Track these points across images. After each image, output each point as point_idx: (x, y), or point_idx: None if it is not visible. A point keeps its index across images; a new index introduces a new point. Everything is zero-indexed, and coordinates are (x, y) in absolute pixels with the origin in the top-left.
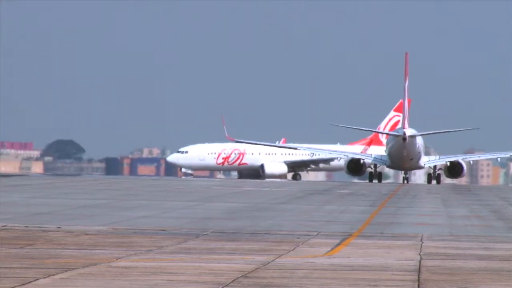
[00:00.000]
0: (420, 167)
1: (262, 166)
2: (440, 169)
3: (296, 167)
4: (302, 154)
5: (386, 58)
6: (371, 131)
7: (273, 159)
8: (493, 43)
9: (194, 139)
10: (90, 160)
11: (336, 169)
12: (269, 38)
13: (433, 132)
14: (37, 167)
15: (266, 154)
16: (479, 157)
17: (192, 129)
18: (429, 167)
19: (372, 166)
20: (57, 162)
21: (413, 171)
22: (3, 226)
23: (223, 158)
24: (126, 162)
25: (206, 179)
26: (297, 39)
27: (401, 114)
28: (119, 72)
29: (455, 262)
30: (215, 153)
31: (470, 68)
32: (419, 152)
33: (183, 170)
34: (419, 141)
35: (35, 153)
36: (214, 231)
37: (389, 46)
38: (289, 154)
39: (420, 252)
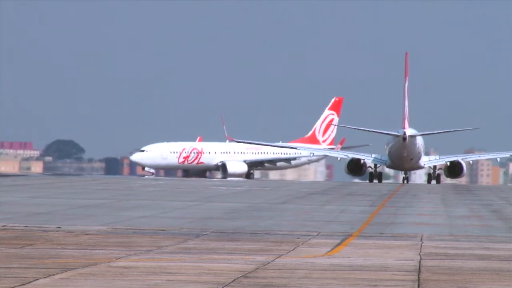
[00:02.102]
0: (420, 167)
1: (224, 165)
2: (440, 169)
3: (255, 166)
4: (261, 153)
5: (386, 58)
6: (371, 131)
7: (228, 157)
8: (493, 43)
9: (194, 138)
10: (90, 160)
11: (298, 165)
12: (268, 38)
13: (433, 132)
14: (37, 167)
15: (221, 153)
16: (479, 157)
17: (192, 129)
18: (429, 167)
19: (372, 166)
20: (57, 162)
21: (413, 171)
22: (3, 226)
23: (183, 157)
24: (126, 162)
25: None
26: (297, 39)
27: (335, 112)
28: (119, 72)
29: (455, 262)
30: (176, 152)
31: (470, 68)
32: (419, 152)
33: (146, 169)
34: (419, 141)
35: (35, 153)
36: (214, 231)
37: (389, 46)
38: (242, 153)
39: (420, 252)
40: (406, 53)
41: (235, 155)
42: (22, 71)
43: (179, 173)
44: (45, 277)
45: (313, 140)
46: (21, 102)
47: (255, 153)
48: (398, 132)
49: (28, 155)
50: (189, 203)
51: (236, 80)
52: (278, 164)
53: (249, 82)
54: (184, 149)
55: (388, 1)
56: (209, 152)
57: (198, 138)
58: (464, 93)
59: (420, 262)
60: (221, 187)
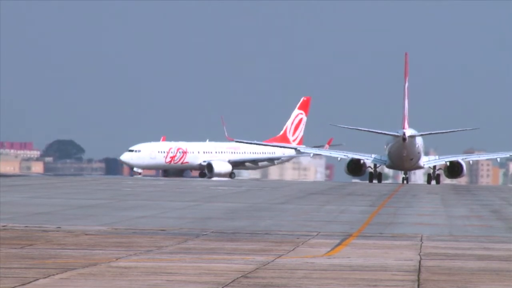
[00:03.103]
0: (420, 167)
1: (210, 165)
2: (440, 169)
3: (237, 166)
4: (239, 153)
5: (386, 58)
6: (371, 131)
7: (210, 157)
8: (493, 43)
9: (194, 138)
10: (90, 160)
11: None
12: (268, 38)
13: (433, 132)
14: (37, 167)
15: (204, 152)
16: (478, 157)
17: (192, 129)
18: (429, 167)
19: (372, 166)
20: (57, 162)
21: (413, 171)
22: (3, 226)
23: (170, 157)
24: None
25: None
26: (297, 39)
27: (303, 112)
28: (119, 72)
29: (454, 262)
30: (164, 152)
31: (470, 68)
32: (418, 152)
33: (135, 169)
34: (419, 141)
35: (35, 153)
36: (214, 231)
37: (389, 46)
38: (223, 152)
39: (420, 252)
40: (406, 53)
41: (216, 154)
42: (22, 71)
43: (160, 172)
44: (45, 277)
45: (284, 139)
46: (21, 102)
47: (234, 153)
48: (397, 132)
49: (28, 155)
50: (189, 203)
51: (236, 80)
52: (260, 163)
53: (253, 82)
54: (170, 148)
55: (388, 1)
56: (193, 152)
57: (162, 137)
58: (464, 93)
59: (420, 262)
60: (221, 187)
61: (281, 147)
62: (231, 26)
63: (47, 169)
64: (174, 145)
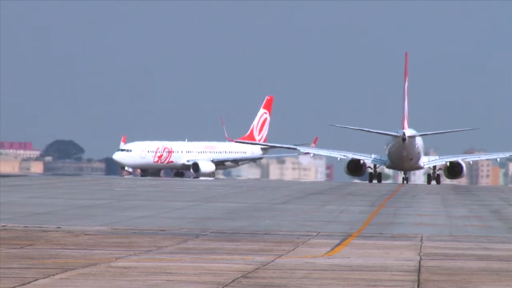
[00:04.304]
0: (420, 168)
1: (196, 164)
2: (439, 169)
3: (218, 165)
4: (216, 152)
5: (386, 58)
6: (371, 131)
7: (192, 156)
8: (493, 43)
9: (195, 138)
10: (89, 160)
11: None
12: (268, 38)
13: (432, 132)
14: (37, 167)
15: (186, 152)
16: (478, 157)
17: (192, 129)
18: (429, 167)
19: (372, 167)
20: (57, 162)
21: (412, 172)
22: (3, 226)
23: (158, 157)
24: None
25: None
26: (297, 39)
27: (267, 111)
28: (119, 72)
29: (454, 262)
30: (153, 151)
31: (470, 68)
32: (418, 153)
33: (127, 168)
34: (419, 141)
35: (35, 153)
36: (214, 231)
37: (389, 46)
38: (202, 152)
39: (420, 252)
40: (406, 53)
41: (198, 154)
42: (22, 71)
43: (138, 171)
44: (45, 277)
45: (251, 138)
46: (21, 102)
47: (212, 152)
48: (397, 132)
49: (28, 155)
50: (188, 203)
51: (236, 78)
52: (241, 163)
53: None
54: (158, 148)
55: (388, 1)
56: (178, 152)
57: (123, 137)
58: (464, 93)
59: (420, 262)
60: (220, 187)
61: (281, 147)
62: (234, 26)
63: (47, 169)
64: (161, 145)
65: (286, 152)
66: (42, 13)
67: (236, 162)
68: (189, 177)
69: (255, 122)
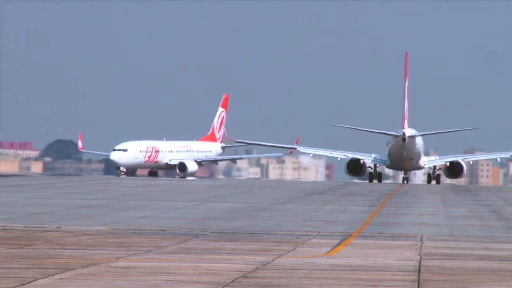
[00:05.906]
0: (420, 167)
1: (183, 164)
2: (440, 169)
3: (199, 165)
4: (191, 151)
5: (386, 58)
6: (371, 131)
7: (173, 156)
8: (493, 43)
9: (194, 138)
10: (89, 161)
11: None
12: (268, 38)
13: (433, 132)
14: (37, 167)
15: (169, 151)
16: (479, 157)
17: (192, 129)
18: (429, 167)
19: (372, 166)
20: (57, 162)
21: (413, 171)
22: (3, 226)
23: (147, 157)
24: None
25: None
26: (297, 39)
27: (224, 109)
28: (119, 72)
29: (455, 262)
30: (144, 151)
31: (470, 68)
32: (418, 153)
33: (122, 168)
34: (419, 141)
35: (35, 153)
36: (214, 231)
37: (389, 46)
38: (179, 151)
39: (420, 252)
40: (406, 53)
41: (177, 153)
42: (22, 71)
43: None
44: (44, 277)
45: (212, 138)
46: (21, 102)
47: (189, 151)
48: (397, 132)
49: (27, 155)
50: (188, 203)
51: (237, 77)
52: (219, 163)
53: (252, 82)
54: (147, 147)
55: (388, 1)
56: (163, 151)
57: (79, 135)
58: (464, 93)
59: (420, 262)
60: (220, 188)
61: (281, 147)
62: (233, 27)
63: (47, 169)
64: (149, 144)
65: (241, 153)
66: (42, 13)
67: (216, 162)
68: (171, 177)
69: (215, 121)
